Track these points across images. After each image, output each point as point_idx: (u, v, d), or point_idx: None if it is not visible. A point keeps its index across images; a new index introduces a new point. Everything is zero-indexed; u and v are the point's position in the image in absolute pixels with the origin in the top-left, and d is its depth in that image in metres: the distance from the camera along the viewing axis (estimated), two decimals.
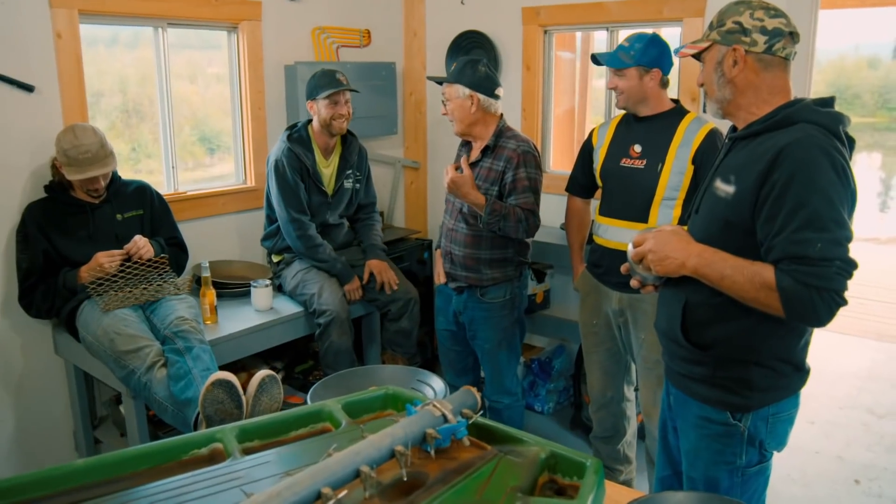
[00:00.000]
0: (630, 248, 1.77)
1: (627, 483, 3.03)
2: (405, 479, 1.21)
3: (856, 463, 3.43)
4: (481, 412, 1.39)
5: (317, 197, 3.24)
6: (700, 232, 1.72)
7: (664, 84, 2.60)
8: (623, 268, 1.81)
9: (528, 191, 2.80)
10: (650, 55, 2.52)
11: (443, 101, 2.88)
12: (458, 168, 2.77)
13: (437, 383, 2.02)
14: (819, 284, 1.46)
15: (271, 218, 3.30)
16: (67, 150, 2.63)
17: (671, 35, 3.80)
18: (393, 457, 1.21)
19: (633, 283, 1.80)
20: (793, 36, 1.64)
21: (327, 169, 3.30)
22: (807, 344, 1.72)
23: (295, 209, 3.16)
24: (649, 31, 2.64)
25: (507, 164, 2.80)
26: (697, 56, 1.75)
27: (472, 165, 2.87)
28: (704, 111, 3.32)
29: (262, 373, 2.15)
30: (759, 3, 1.65)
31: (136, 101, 3.40)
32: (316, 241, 3.20)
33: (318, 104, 3.14)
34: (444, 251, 3.02)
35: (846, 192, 1.52)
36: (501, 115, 2.91)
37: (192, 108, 3.67)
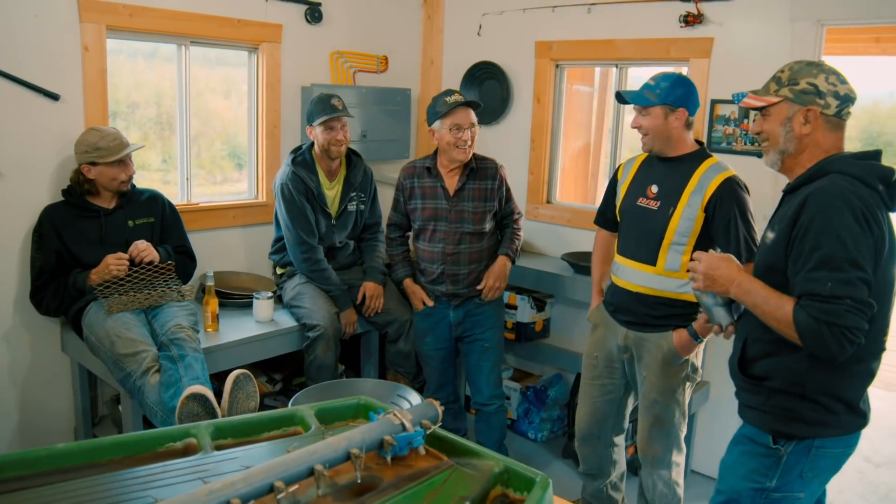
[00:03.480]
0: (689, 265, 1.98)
1: None
2: (359, 481, 1.29)
3: None
4: (440, 424, 1.47)
5: (322, 219, 3.33)
6: (755, 269, 1.92)
7: (689, 125, 2.55)
8: (702, 318, 2.05)
9: (512, 198, 3.31)
10: (676, 94, 2.48)
11: (471, 126, 3.07)
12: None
13: (415, 398, 2.09)
14: (828, 320, 1.61)
15: (279, 235, 3.41)
16: (97, 143, 2.82)
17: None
18: (349, 459, 1.29)
19: (715, 329, 2.03)
20: (853, 101, 1.82)
21: (331, 191, 3.38)
22: (861, 385, 1.82)
23: (304, 231, 3.25)
24: (658, 70, 2.65)
25: (497, 182, 3.19)
26: (759, 108, 1.89)
27: (460, 190, 3.13)
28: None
29: (237, 372, 2.25)
30: (829, 69, 1.82)
31: (169, 114, 3.52)
32: (321, 266, 3.29)
33: (315, 130, 3.24)
34: (439, 276, 3.17)
35: (866, 237, 1.66)
36: None
37: (223, 123, 3.80)
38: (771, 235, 1.84)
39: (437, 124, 3.07)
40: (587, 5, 3.74)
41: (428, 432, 1.43)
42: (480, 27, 4.21)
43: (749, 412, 1.92)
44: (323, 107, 3.20)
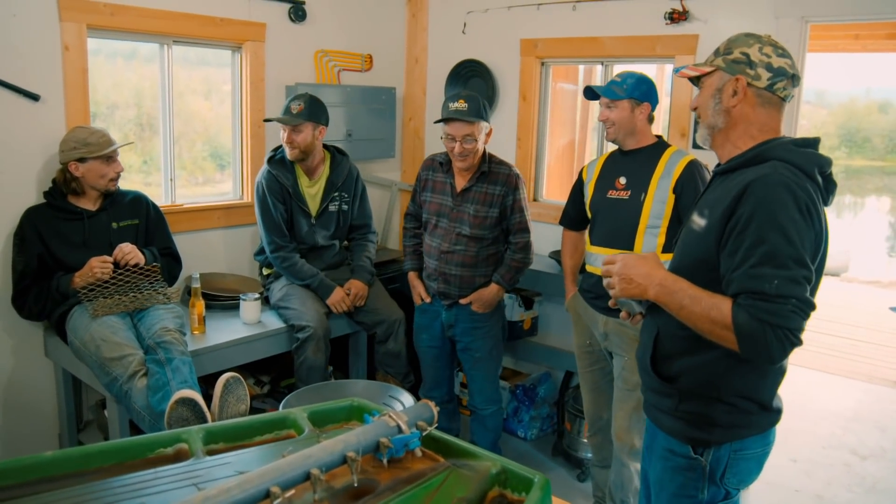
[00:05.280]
0: (602, 269, 1.79)
1: None
2: (355, 484, 1.26)
3: (834, 503, 3.45)
4: (436, 426, 1.45)
5: (301, 219, 3.31)
6: (675, 264, 1.76)
7: (651, 119, 2.73)
8: (611, 303, 1.83)
9: (524, 210, 3.12)
10: (641, 90, 2.68)
11: (467, 139, 2.94)
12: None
13: (407, 399, 2.07)
14: (773, 321, 1.46)
15: None
16: (86, 139, 2.79)
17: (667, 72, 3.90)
18: (345, 462, 1.26)
19: (622, 315, 1.85)
20: (794, 79, 1.67)
21: (311, 189, 3.35)
22: (775, 384, 1.71)
23: (273, 232, 3.24)
24: (643, 66, 2.77)
25: (505, 189, 3.05)
26: (696, 80, 1.76)
27: (466, 191, 3.06)
28: (695, 142, 3.41)
29: (227, 375, 2.21)
30: (769, 40, 1.68)
31: (150, 115, 3.48)
32: (291, 262, 3.26)
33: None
34: (434, 272, 3.14)
35: (809, 232, 1.53)
36: None
37: (205, 123, 3.76)
38: (701, 222, 1.66)
39: (441, 125, 3.02)
40: (572, 3, 3.74)
41: (424, 434, 1.40)
42: (465, 25, 4.20)
43: (661, 417, 1.79)
44: (284, 107, 3.22)
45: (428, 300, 3.22)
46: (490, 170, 3.05)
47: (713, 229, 1.61)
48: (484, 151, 3.06)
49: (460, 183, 3.08)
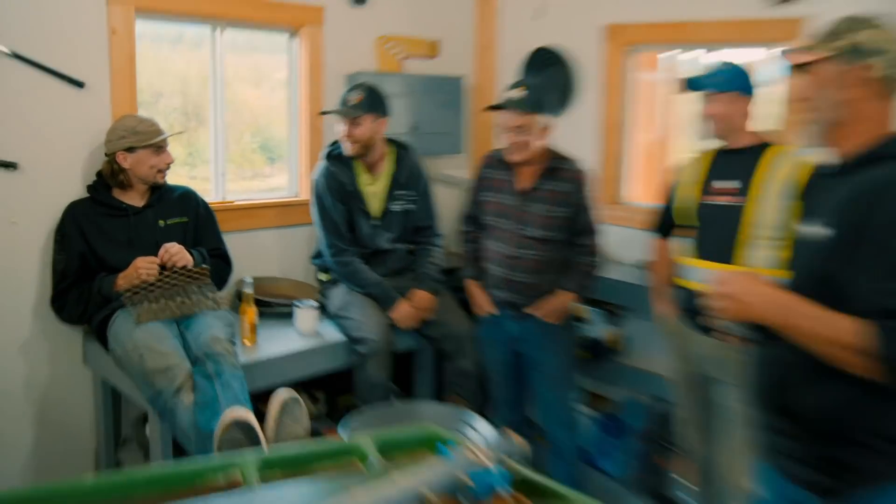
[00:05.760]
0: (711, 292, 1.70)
1: None
2: None
3: None
4: (524, 464, 1.35)
5: (362, 220, 3.26)
6: (790, 281, 1.66)
7: (751, 114, 2.63)
8: (712, 322, 1.77)
9: (593, 209, 3.07)
10: (744, 79, 2.59)
11: (519, 131, 2.88)
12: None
13: (484, 427, 1.97)
14: None
15: None
16: (136, 127, 2.81)
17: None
18: None
19: (723, 336, 1.83)
20: None
21: (372, 187, 3.29)
22: None
23: (333, 234, 3.21)
24: (741, 53, 2.67)
25: (573, 185, 3.00)
26: (801, 65, 1.66)
27: (533, 190, 2.99)
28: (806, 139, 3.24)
29: (283, 394, 2.14)
30: (884, 25, 1.61)
31: (196, 104, 3.49)
32: (353, 267, 3.21)
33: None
34: (499, 280, 3.05)
35: None
36: None
37: (254, 114, 3.76)
38: (820, 231, 1.57)
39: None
40: None
41: (515, 477, 1.30)
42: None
43: (784, 461, 1.67)
44: (340, 98, 3.20)
45: (492, 311, 3.11)
46: (557, 166, 2.99)
47: (837, 239, 1.53)
48: (546, 147, 2.99)
49: (524, 181, 3.01)
